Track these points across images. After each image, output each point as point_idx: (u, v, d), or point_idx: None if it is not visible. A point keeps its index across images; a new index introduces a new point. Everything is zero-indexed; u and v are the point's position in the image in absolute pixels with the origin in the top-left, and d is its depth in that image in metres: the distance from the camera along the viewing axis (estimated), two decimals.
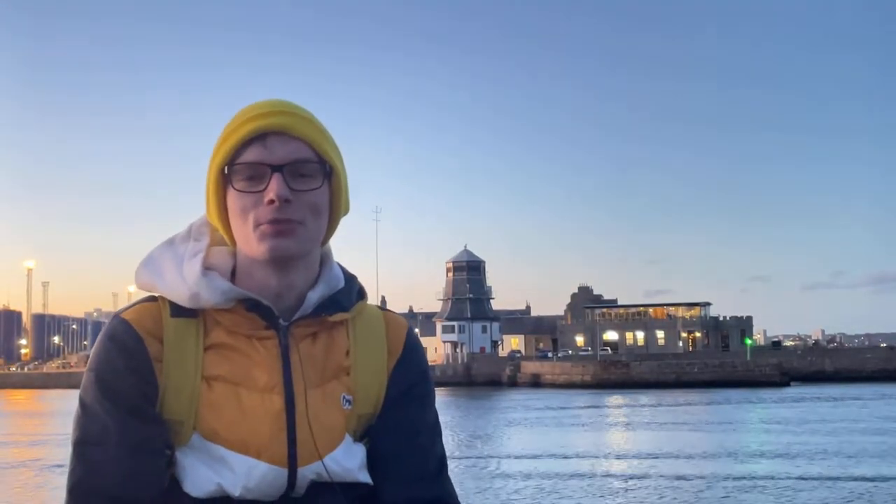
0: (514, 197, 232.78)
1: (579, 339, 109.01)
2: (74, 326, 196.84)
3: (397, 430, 1.45)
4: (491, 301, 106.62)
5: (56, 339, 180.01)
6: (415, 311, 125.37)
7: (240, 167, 1.35)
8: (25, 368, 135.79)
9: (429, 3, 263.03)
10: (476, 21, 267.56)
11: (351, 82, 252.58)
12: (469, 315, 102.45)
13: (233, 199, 1.36)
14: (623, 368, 78.41)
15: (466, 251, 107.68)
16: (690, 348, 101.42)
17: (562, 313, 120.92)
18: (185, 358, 1.36)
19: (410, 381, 1.48)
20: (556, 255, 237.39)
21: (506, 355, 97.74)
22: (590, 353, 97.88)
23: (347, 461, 1.38)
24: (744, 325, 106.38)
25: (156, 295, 1.41)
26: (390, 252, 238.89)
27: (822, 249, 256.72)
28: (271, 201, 1.32)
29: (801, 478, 22.71)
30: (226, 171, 1.36)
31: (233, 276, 1.41)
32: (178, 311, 1.38)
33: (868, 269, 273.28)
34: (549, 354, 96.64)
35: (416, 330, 1.51)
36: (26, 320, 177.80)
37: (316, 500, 1.36)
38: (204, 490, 1.32)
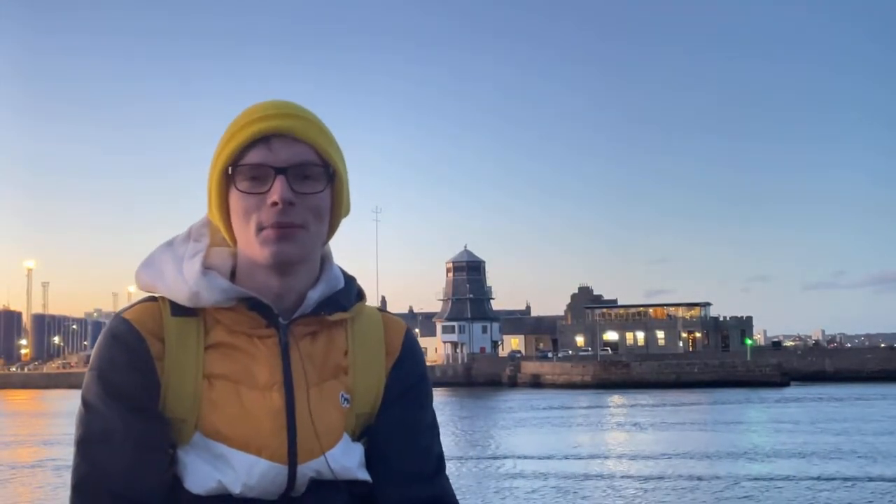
0: (515, 197, 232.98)
1: (579, 340, 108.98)
2: (74, 326, 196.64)
3: (395, 430, 1.46)
4: (491, 301, 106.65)
5: (56, 340, 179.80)
6: (415, 311, 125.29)
7: (243, 168, 1.35)
8: (25, 369, 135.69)
9: (429, 4, 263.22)
10: (477, 22, 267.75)
11: (351, 82, 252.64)
12: (469, 315, 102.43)
13: (235, 199, 1.37)
14: (623, 369, 78.39)
15: (466, 251, 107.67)
16: (690, 348, 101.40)
17: (562, 313, 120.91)
18: (186, 357, 1.37)
19: (408, 381, 1.50)
20: (556, 255, 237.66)
21: (506, 355, 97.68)
22: (590, 353, 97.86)
23: (346, 459, 1.40)
24: (744, 326, 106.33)
25: (156, 295, 1.42)
26: (390, 252, 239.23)
27: (823, 249, 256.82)
28: (274, 203, 1.33)
29: (819, 478, 22.70)
30: (229, 172, 1.37)
31: (233, 276, 1.42)
32: (178, 310, 1.39)
33: (869, 269, 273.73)
34: (549, 354, 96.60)
35: (416, 330, 1.47)
36: (26, 320, 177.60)
37: (315, 497, 1.37)
38: (205, 487, 1.33)
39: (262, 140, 1.35)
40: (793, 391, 65.01)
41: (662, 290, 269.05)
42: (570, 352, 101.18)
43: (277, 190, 1.33)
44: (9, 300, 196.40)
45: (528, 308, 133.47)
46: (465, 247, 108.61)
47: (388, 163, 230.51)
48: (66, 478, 1.27)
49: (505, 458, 27.93)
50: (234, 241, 1.42)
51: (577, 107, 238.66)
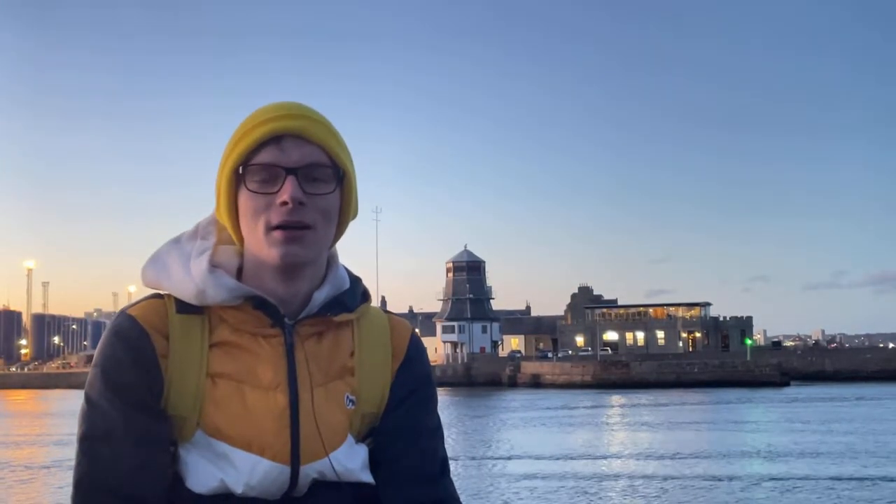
0: (515, 197, 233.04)
1: (579, 340, 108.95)
2: (74, 326, 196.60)
3: (400, 433, 1.46)
4: (491, 301, 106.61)
5: (56, 340, 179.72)
6: (415, 311, 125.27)
7: (254, 168, 1.35)
8: (25, 369, 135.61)
9: (428, 7, 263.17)
10: (478, 20, 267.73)
11: (351, 83, 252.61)
12: (469, 315, 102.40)
13: (245, 199, 1.36)
14: (623, 368, 78.38)
15: (466, 251, 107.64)
16: (690, 348, 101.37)
17: (562, 313, 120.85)
18: (190, 355, 1.37)
19: (414, 384, 1.50)
20: (556, 255, 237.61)
21: (506, 355, 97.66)
22: (590, 353, 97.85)
23: (349, 461, 1.39)
24: (744, 325, 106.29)
25: (162, 292, 1.42)
26: (390, 252, 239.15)
27: (824, 250, 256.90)
28: (284, 203, 1.33)
29: (837, 478, 22.62)
30: (240, 171, 1.36)
31: (239, 275, 1.42)
32: (183, 308, 1.39)
33: (870, 269, 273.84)
34: (549, 354, 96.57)
35: (416, 330, 1.56)
36: (26, 320, 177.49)
37: (318, 498, 1.37)
38: (207, 486, 1.33)
39: (272, 140, 1.35)
40: (793, 391, 64.99)
41: (663, 290, 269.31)
42: (570, 352, 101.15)
43: (288, 190, 1.33)
44: (9, 300, 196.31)
45: (528, 308, 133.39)
46: (465, 247, 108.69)
47: (388, 163, 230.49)
48: (67, 478, 1.39)
49: (505, 458, 27.94)
50: (242, 241, 1.42)
51: (577, 107, 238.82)
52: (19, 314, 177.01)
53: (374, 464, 1.44)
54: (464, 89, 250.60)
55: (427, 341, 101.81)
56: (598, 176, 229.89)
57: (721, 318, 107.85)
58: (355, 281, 1.50)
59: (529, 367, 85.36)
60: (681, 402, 54.40)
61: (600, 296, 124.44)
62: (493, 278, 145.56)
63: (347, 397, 1.42)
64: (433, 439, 1.50)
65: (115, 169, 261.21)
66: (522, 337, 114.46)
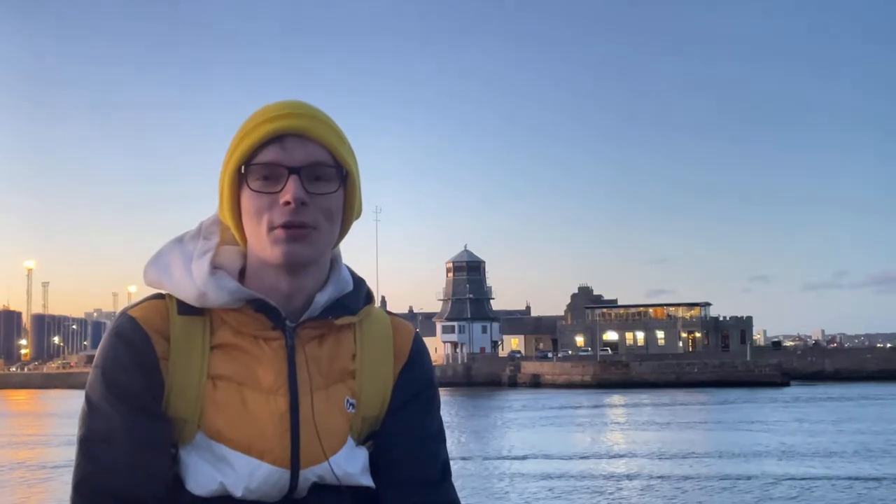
0: (515, 197, 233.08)
1: (579, 340, 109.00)
2: (74, 326, 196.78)
3: (402, 436, 1.45)
4: (491, 301, 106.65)
5: (56, 340, 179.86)
6: (415, 311, 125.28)
7: (256, 167, 1.34)
8: (25, 369, 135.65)
9: (429, 4, 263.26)
10: (478, 23, 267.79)
11: (350, 81, 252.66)
12: (469, 315, 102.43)
13: (248, 198, 1.35)
14: (623, 368, 78.40)
15: (466, 251, 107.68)
16: (690, 348, 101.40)
17: (562, 313, 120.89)
18: (191, 357, 1.36)
19: (416, 387, 1.49)
20: (556, 255, 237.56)
21: (506, 355, 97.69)
22: (590, 353, 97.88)
23: (349, 465, 1.39)
24: (744, 326, 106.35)
25: (163, 293, 1.41)
26: (390, 252, 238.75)
27: (825, 250, 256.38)
28: (287, 203, 1.32)
29: (851, 477, 22.61)
30: (242, 171, 1.36)
31: (242, 275, 1.41)
32: (185, 309, 1.38)
33: (870, 270, 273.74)
34: (549, 355, 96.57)
35: (419, 332, 1.55)
36: (26, 320, 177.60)
37: (317, 502, 1.37)
38: (206, 489, 1.33)
39: (275, 139, 1.34)
40: (794, 391, 65.01)
41: (663, 290, 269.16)
42: (570, 352, 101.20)
43: (290, 189, 1.32)
44: (9, 300, 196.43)
45: (528, 308, 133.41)
46: (465, 247, 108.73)
47: (388, 163, 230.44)
48: (67, 478, 1.37)
49: (504, 458, 27.95)
50: (245, 241, 1.40)
51: (577, 107, 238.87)
52: (19, 314, 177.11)
53: (375, 467, 1.43)
54: (464, 89, 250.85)
55: (427, 341, 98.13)
56: (598, 176, 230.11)
57: (721, 318, 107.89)
58: (359, 283, 1.49)
59: (529, 367, 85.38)
60: (681, 403, 54.42)
61: (600, 296, 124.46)
62: (493, 278, 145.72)
63: (348, 401, 1.41)
64: (434, 443, 1.49)
65: (115, 169, 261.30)
66: (522, 337, 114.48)
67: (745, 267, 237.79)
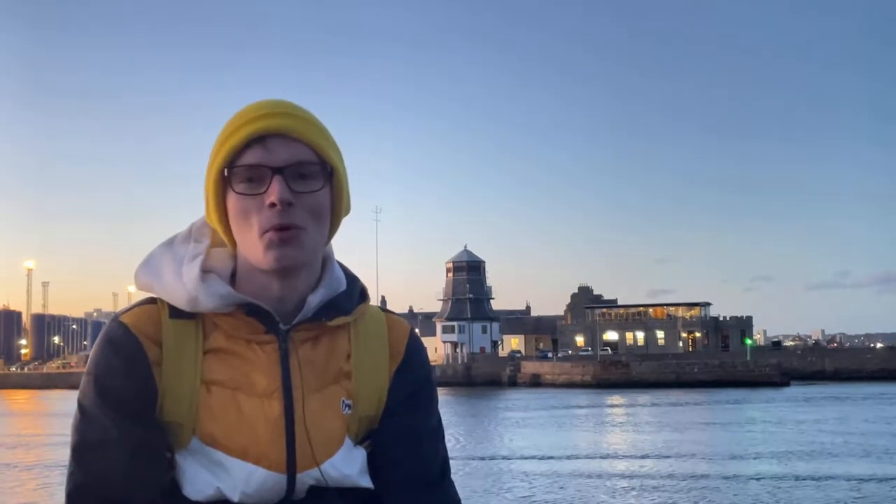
0: (515, 197, 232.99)
1: (579, 339, 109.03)
2: (74, 326, 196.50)
3: (399, 435, 1.44)
4: (491, 301, 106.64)
5: (56, 339, 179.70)
6: (415, 311, 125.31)
7: (240, 169, 1.32)
8: (25, 368, 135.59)
9: (428, 6, 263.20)
10: (479, 19, 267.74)
11: (351, 81, 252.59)
12: (469, 315, 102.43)
13: (233, 201, 1.33)
14: (623, 368, 78.39)
15: (466, 251, 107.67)
16: (690, 348, 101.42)
17: (562, 313, 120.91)
18: (184, 362, 1.35)
19: (412, 385, 1.47)
20: (556, 255, 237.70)
21: (506, 355, 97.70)
22: (590, 353, 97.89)
23: (346, 467, 1.37)
24: (744, 325, 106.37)
25: (155, 297, 1.40)
26: (390, 252, 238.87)
27: (827, 249, 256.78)
28: (273, 204, 1.30)
29: (857, 478, 22.49)
30: (225, 174, 1.33)
31: (233, 277, 1.39)
32: (177, 313, 1.37)
33: (873, 269, 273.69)
34: (549, 354, 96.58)
35: (416, 330, 1.54)
36: (26, 320, 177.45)
37: (316, 497, 1.36)
38: (203, 494, 1.32)
39: (257, 140, 1.32)
40: (795, 391, 65.00)
41: (664, 290, 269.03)
42: (570, 352, 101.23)
43: (275, 190, 1.30)
44: (9, 300, 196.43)
45: (528, 308, 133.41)
46: (465, 247, 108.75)
47: (388, 163, 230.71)
48: (63, 479, 1.36)
49: (505, 458, 27.92)
50: (233, 244, 1.38)
51: (578, 107, 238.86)
52: (19, 314, 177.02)
53: (374, 467, 1.42)
54: (464, 89, 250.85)
55: (427, 341, 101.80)
56: (598, 176, 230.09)
57: (721, 318, 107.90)
58: (352, 281, 1.47)
59: (529, 367, 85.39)
60: (681, 403, 54.40)
61: (600, 296, 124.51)
62: (493, 278, 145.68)
63: (343, 402, 1.40)
64: (433, 441, 1.48)
65: (115, 169, 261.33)
66: (522, 337, 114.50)
67: (747, 267, 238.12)
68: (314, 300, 1.38)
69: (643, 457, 27.73)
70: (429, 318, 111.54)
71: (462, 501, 1.51)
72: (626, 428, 39.20)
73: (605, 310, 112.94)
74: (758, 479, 22.47)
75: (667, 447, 30.08)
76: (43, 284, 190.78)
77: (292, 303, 1.37)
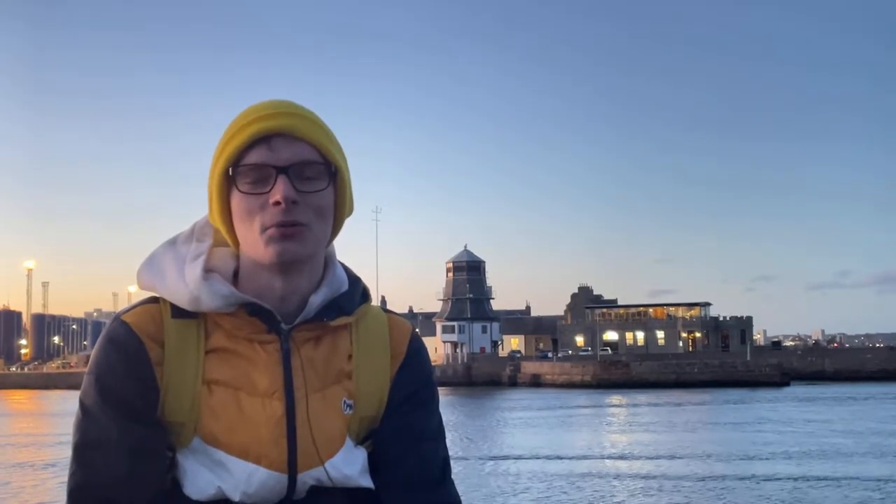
0: (515, 197, 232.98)
1: (579, 340, 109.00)
2: (74, 326, 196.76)
3: (400, 436, 1.44)
4: (491, 301, 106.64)
5: (56, 339, 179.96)
6: (415, 311, 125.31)
7: (244, 169, 1.33)
8: (25, 368, 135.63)
9: (428, 8, 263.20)
10: (479, 20, 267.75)
11: (351, 81, 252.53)
12: (469, 315, 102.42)
13: (237, 201, 1.34)
14: (623, 368, 78.37)
15: (466, 251, 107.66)
16: (690, 348, 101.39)
17: (562, 313, 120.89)
18: (185, 361, 1.35)
19: (414, 385, 1.47)
20: (556, 255, 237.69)
21: (506, 355, 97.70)
22: (590, 353, 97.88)
23: (347, 467, 1.38)
24: (744, 326, 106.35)
25: (157, 296, 1.40)
26: (390, 252, 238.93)
27: (828, 249, 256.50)
28: (277, 203, 1.30)
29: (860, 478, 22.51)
30: (230, 173, 1.34)
31: (235, 277, 1.40)
32: (179, 312, 1.37)
33: (874, 269, 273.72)
34: (549, 354, 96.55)
35: (416, 330, 1.54)
36: (26, 320, 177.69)
37: (316, 498, 1.36)
38: (204, 493, 1.32)
39: (262, 140, 1.33)
40: (794, 391, 64.98)
41: (665, 291, 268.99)
42: (570, 352, 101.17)
43: (280, 189, 1.30)
44: (9, 300, 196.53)
45: (528, 308, 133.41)
46: (465, 247, 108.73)
47: (388, 163, 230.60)
48: (65, 479, 1.36)
49: (505, 458, 27.92)
50: (236, 244, 1.39)
51: (578, 107, 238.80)
52: (19, 314, 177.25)
53: (374, 467, 1.43)
54: (464, 89, 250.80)
55: (427, 341, 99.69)
56: (598, 176, 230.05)
57: (721, 318, 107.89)
58: (354, 282, 1.47)
59: (529, 367, 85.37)
60: (681, 403, 54.38)
61: (600, 296, 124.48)
62: (493, 278, 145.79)
63: (345, 402, 1.40)
64: (433, 441, 1.48)
65: (115, 169, 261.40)
66: (522, 337, 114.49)
67: (748, 267, 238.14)
68: (316, 300, 1.38)
69: (643, 457, 27.73)
70: (429, 318, 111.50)
71: (462, 502, 1.50)
72: (625, 428, 39.19)
73: (605, 310, 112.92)
74: (757, 480, 22.43)
75: (666, 447, 30.08)
76: (43, 284, 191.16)
77: (294, 302, 1.38)
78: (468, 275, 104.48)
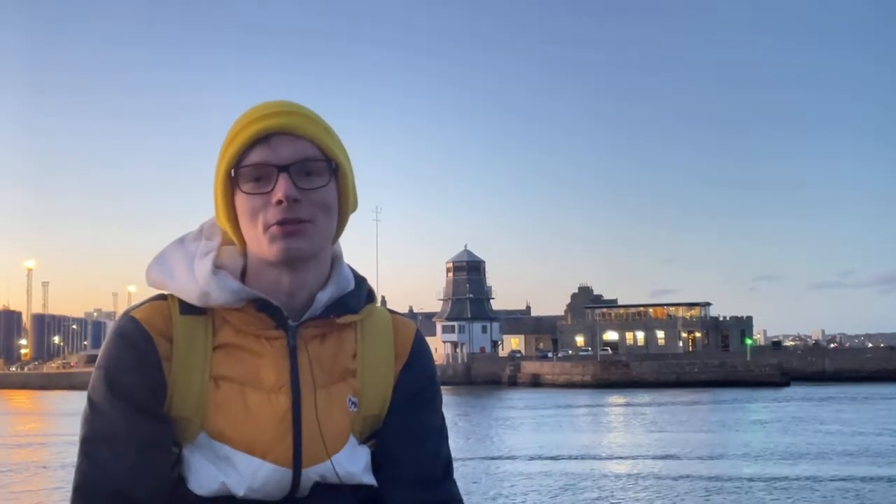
0: (515, 196, 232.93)
1: (579, 339, 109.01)
2: (74, 326, 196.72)
3: (403, 434, 1.46)
4: (491, 301, 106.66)
5: (56, 339, 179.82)
6: (415, 311, 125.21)
7: (246, 169, 1.35)
8: (25, 368, 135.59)
9: (429, 7, 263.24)
10: (479, 18, 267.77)
11: (351, 83, 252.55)
12: (469, 315, 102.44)
13: (241, 201, 1.36)
14: (623, 368, 78.42)
15: (466, 251, 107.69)
16: (690, 348, 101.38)
17: (562, 313, 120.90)
18: (193, 357, 1.37)
19: (417, 384, 1.49)
20: (556, 255, 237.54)
21: (506, 355, 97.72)
22: (590, 353, 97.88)
23: (351, 464, 1.39)
24: (744, 325, 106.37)
25: (165, 293, 1.42)
26: (390, 252, 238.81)
27: (831, 249, 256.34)
28: (279, 202, 1.32)
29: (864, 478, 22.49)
30: (233, 174, 1.36)
31: (243, 275, 1.42)
32: (187, 309, 1.39)
33: (877, 269, 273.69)
34: (549, 354, 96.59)
35: (420, 331, 1.56)
36: (26, 320, 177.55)
37: (319, 501, 1.37)
38: (208, 489, 1.33)
39: (262, 140, 1.35)
40: (794, 391, 64.96)
41: (665, 290, 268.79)
42: (570, 352, 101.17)
43: (281, 188, 1.32)
44: (9, 300, 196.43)
45: (528, 308, 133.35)
46: (465, 247, 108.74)
47: (388, 163, 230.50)
48: (65, 479, 1.36)
49: (505, 458, 27.95)
50: (243, 244, 1.41)
51: (578, 107, 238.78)
52: (19, 314, 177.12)
53: (377, 465, 1.44)
54: (464, 90, 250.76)
55: (427, 341, 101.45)
56: (598, 175, 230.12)
57: (721, 318, 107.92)
58: (360, 282, 1.49)
59: (529, 367, 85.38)
60: (681, 403, 54.38)
61: (600, 296, 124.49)
62: (493, 278, 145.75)
63: (350, 399, 1.41)
64: (436, 441, 1.50)
65: (115, 168, 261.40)
66: (522, 337, 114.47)
67: (750, 267, 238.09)
68: (323, 297, 1.40)
69: (643, 457, 27.74)
70: (429, 318, 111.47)
71: (464, 503, 1.51)
72: (626, 428, 39.21)
73: (605, 310, 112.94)
74: (757, 480, 22.45)
75: (666, 447, 30.08)
76: (43, 284, 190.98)
77: (301, 300, 1.39)
78: (468, 275, 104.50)
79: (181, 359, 1.36)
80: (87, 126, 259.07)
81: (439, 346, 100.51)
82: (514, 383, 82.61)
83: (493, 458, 27.75)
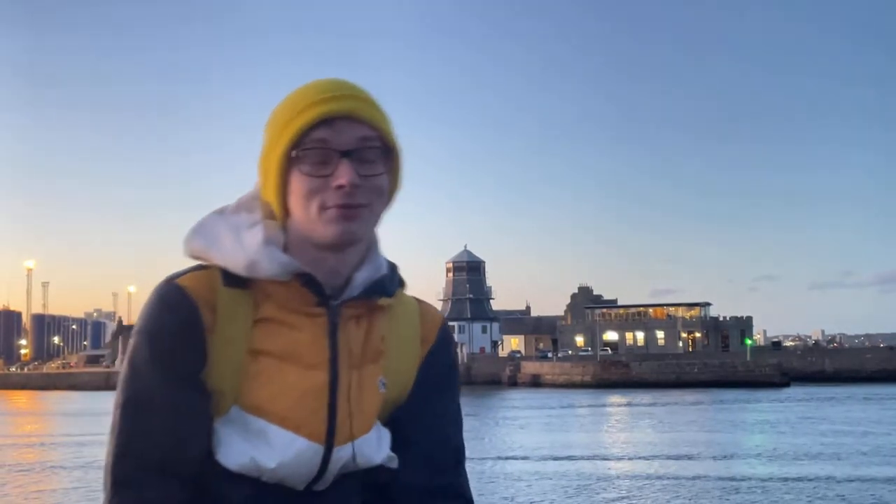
0: (515, 197, 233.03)
1: (579, 340, 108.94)
2: (74, 326, 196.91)
3: (421, 419, 1.47)
4: (491, 301, 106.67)
5: (56, 339, 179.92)
6: None
7: (307, 151, 1.33)
8: (25, 369, 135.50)
9: (431, 6, 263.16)
10: (481, 18, 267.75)
11: (350, 79, 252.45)
12: (469, 315, 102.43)
13: (298, 181, 1.34)
14: (623, 368, 78.37)
15: (466, 251, 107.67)
16: (690, 348, 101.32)
17: (562, 313, 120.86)
18: (234, 329, 1.35)
19: (439, 372, 1.51)
20: (556, 255, 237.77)
21: (506, 355, 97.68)
22: (590, 353, 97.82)
23: (378, 444, 1.41)
24: (744, 326, 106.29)
25: (205, 264, 1.39)
26: (390, 252, 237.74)
27: (831, 249, 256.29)
28: (340, 186, 1.31)
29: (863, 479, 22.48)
30: (293, 154, 1.33)
31: (285, 251, 1.40)
32: (230, 281, 1.36)
33: (877, 269, 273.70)
34: (549, 354, 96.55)
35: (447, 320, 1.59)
36: (26, 320, 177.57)
37: (337, 483, 1.37)
38: (237, 462, 1.32)
39: (324, 122, 1.33)
40: (794, 391, 64.93)
41: (666, 291, 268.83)
42: (570, 352, 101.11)
43: (345, 174, 1.31)
44: (9, 300, 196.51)
45: (528, 308, 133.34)
46: (465, 247, 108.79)
47: None
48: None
49: (505, 458, 27.88)
50: (283, 218, 1.39)
51: (578, 107, 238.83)
52: (19, 314, 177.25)
53: (393, 446, 1.45)
54: (464, 90, 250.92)
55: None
56: (598, 176, 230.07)
57: (721, 318, 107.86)
58: (393, 267, 1.50)
59: (529, 367, 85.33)
60: (681, 403, 54.37)
61: (600, 296, 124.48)
62: (493, 278, 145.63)
63: (381, 381, 1.43)
64: (452, 428, 1.51)
65: (115, 169, 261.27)
66: (522, 337, 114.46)
67: (751, 267, 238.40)
68: (360, 277, 1.40)
69: (643, 457, 27.72)
70: None
71: (471, 491, 1.52)
72: (626, 428, 39.19)
73: (605, 310, 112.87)
74: (757, 480, 22.43)
75: (666, 447, 30.08)
76: (43, 284, 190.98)
77: (341, 278, 1.39)
78: (468, 275, 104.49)
79: (223, 331, 1.34)
80: (87, 127, 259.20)
81: None
82: (514, 383, 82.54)
83: (492, 459, 27.62)
